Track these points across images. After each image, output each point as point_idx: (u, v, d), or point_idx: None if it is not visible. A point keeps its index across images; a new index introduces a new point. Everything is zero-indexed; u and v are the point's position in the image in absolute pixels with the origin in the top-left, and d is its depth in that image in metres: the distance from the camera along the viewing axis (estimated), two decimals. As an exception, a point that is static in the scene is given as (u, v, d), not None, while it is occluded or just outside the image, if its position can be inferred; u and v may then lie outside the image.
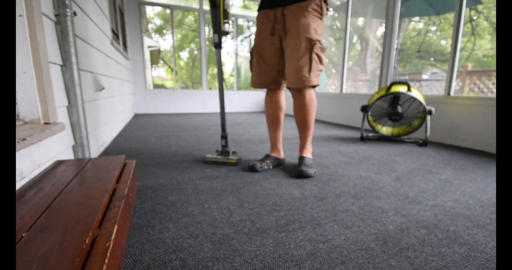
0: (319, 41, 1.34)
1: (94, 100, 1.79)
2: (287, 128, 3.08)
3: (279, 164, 1.59)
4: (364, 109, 2.40)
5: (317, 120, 3.99)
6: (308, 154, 1.54)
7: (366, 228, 0.88)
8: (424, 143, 2.22)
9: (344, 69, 3.68)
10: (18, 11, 0.90)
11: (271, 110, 1.58)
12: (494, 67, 4.58)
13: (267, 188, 1.22)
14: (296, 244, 0.78)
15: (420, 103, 2.19)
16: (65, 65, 1.24)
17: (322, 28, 1.38)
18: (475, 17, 7.27)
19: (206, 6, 4.92)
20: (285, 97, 1.60)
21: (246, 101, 5.53)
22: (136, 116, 4.33)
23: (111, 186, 0.79)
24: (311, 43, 1.32)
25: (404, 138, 2.45)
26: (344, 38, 3.61)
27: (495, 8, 4.90)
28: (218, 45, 1.52)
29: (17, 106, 0.97)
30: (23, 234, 0.52)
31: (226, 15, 1.49)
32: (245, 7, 6.58)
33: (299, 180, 1.34)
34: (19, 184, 0.80)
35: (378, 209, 1.03)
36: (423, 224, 0.91)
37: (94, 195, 0.71)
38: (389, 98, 2.33)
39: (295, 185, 1.26)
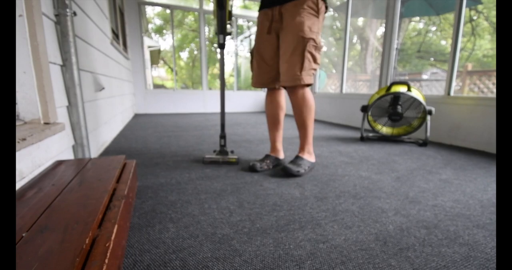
0: (313, 39, 1.32)
1: (94, 100, 1.79)
2: (287, 128, 3.08)
3: (279, 164, 1.59)
4: (364, 109, 2.41)
5: (317, 120, 3.99)
6: (305, 154, 1.49)
7: (366, 228, 0.88)
8: (424, 143, 2.22)
9: (344, 69, 3.68)
10: (18, 11, 0.90)
11: (271, 110, 1.58)
12: (494, 67, 4.58)
13: (267, 188, 1.22)
14: (296, 244, 0.78)
15: (420, 103, 2.19)
16: (65, 65, 1.24)
17: (318, 26, 1.35)
18: (475, 17, 7.27)
19: (206, 6, 4.92)
20: (286, 97, 1.61)
21: (246, 101, 5.53)
22: (136, 116, 4.33)
23: (111, 186, 0.79)
24: (304, 42, 1.31)
25: (404, 138, 2.45)
26: (344, 38, 3.61)
27: (495, 8, 4.90)
28: (222, 46, 1.53)
29: (17, 106, 0.97)
30: (23, 234, 0.52)
31: (229, 16, 1.50)
32: (245, 7, 6.58)
33: (299, 179, 1.34)
34: (19, 184, 0.80)
35: (378, 209, 1.02)
36: (423, 224, 0.91)
37: (94, 195, 0.71)
38: (389, 98, 2.33)
39: (295, 185, 1.26)
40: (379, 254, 0.74)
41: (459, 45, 2.32)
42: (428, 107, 2.19)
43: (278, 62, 1.46)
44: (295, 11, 1.32)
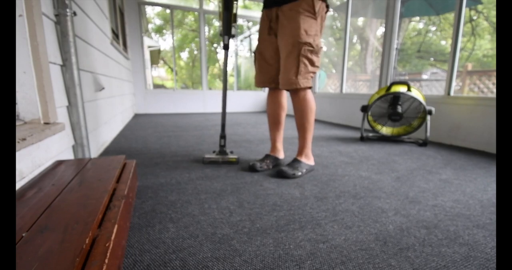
0: (309, 43, 1.29)
1: (94, 100, 1.79)
2: (288, 128, 3.08)
3: (279, 163, 1.59)
4: (364, 109, 2.41)
5: (317, 120, 3.99)
6: (303, 157, 1.47)
7: (366, 228, 0.88)
8: (424, 143, 2.22)
9: (344, 69, 3.68)
10: (18, 11, 0.90)
11: (272, 109, 1.58)
12: (494, 67, 4.58)
13: (267, 188, 1.22)
14: (296, 244, 0.78)
15: (420, 103, 2.19)
16: (65, 65, 1.24)
17: (316, 28, 1.32)
18: (475, 17, 7.27)
19: (206, 6, 4.92)
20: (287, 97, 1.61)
21: (246, 101, 5.53)
22: (136, 116, 4.33)
23: (111, 186, 0.79)
24: (299, 46, 1.29)
25: (404, 138, 2.45)
26: (344, 38, 3.61)
27: (495, 8, 4.90)
28: (227, 47, 1.54)
29: (17, 106, 0.97)
30: (23, 234, 0.52)
31: (235, 19, 1.51)
32: (245, 7, 6.58)
33: (299, 180, 1.34)
34: (19, 184, 0.80)
35: (378, 209, 1.03)
36: (423, 224, 0.91)
37: (94, 195, 0.71)
38: (389, 98, 2.33)
39: (295, 185, 1.26)
40: (379, 254, 0.74)
41: (459, 45, 2.32)
42: (428, 107, 2.19)
43: (279, 62, 1.46)
44: (291, 14, 1.31)
